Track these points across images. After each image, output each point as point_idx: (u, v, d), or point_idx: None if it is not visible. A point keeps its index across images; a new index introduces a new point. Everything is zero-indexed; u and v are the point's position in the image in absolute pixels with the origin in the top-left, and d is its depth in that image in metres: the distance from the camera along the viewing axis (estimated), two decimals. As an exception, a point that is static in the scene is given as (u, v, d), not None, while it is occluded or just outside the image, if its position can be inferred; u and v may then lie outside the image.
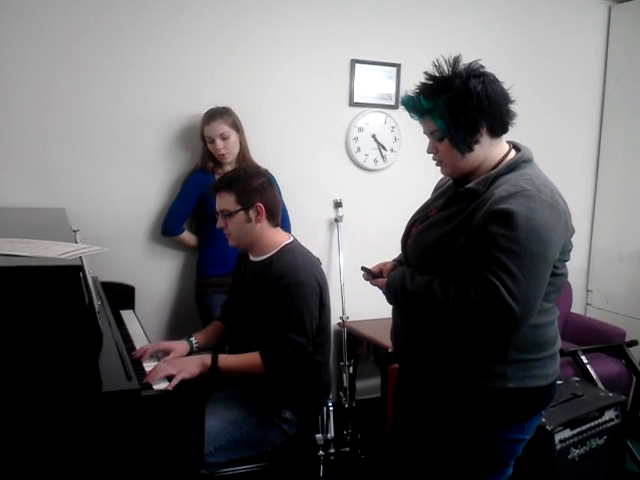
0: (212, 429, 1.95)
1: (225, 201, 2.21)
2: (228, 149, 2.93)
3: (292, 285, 2.14)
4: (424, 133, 1.69)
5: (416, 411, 1.81)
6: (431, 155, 1.72)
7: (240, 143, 3.00)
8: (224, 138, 2.92)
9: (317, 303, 2.20)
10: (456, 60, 1.61)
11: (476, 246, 1.55)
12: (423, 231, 1.72)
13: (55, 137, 2.87)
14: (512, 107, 1.65)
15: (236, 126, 2.97)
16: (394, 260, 1.90)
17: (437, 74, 1.61)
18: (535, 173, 1.63)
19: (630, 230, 3.98)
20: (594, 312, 4.19)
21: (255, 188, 2.21)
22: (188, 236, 3.10)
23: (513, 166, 1.63)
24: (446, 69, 1.60)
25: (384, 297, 1.80)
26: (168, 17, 3.00)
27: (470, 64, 1.61)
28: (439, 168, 1.73)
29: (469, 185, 1.64)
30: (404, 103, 1.66)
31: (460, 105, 1.56)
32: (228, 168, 2.90)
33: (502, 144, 1.68)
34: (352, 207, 3.52)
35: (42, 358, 1.48)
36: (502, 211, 1.50)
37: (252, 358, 2.14)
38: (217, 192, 2.23)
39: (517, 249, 1.49)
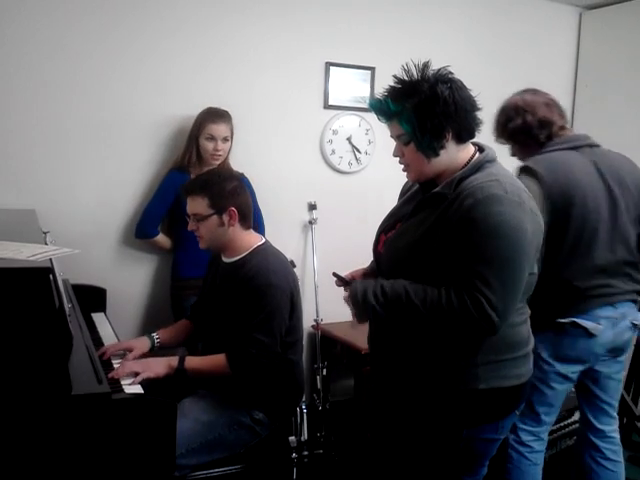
0: (184, 431, 1.94)
1: (198, 204, 2.20)
2: (225, 151, 2.95)
3: (263, 286, 2.14)
4: (391, 137, 1.70)
5: (392, 413, 1.82)
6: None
7: (228, 151, 3.02)
8: (225, 141, 2.93)
9: (288, 305, 2.21)
10: (425, 65, 1.62)
11: (450, 255, 1.56)
12: (394, 239, 1.73)
13: (25, 136, 2.82)
14: (480, 113, 1.67)
15: (232, 133, 2.99)
16: (368, 267, 1.91)
17: (406, 78, 1.62)
18: (500, 172, 1.64)
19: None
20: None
21: (229, 192, 2.20)
22: (162, 239, 3.06)
23: (477, 167, 1.64)
24: (415, 74, 1.62)
25: None
26: (147, 23, 2.98)
27: (439, 70, 1.63)
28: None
29: (436, 190, 1.65)
30: (372, 106, 1.68)
31: (427, 110, 1.58)
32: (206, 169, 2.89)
33: (468, 148, 1.69)
34: (326, 209, 3.53)
35: (11, 361, 1.46)
36: (472, 220, 1.52)
37: (218, 359, 2.15)
38: (189, 195, 2.22)
39: (491, 258, 1.51)
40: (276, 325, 2.15)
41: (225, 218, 2.20)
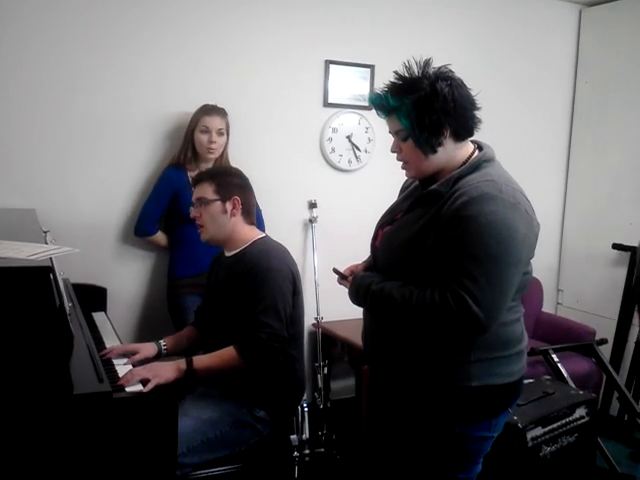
0: (185, 429, 1.94)
1: (204, 190, 2.27)
2: (219, 145, 2.95)
3: (264, 271, 2.17)
4: (389, 132, 1.70)
5: (387, 411, 1.82)
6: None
7: (224, 146, 3.02)
8: (220, 134, 2.95)
9: (290, 289, 2.23)
10: (426, 63, 1.63)
11: (440, 252, 1.56)
12: (391, 234, 1.73)
13: (25, 136, 2.82)
14: (480, 112, 1.67)
15: (228, 128, 3.00)
16: (364, 262, 1.91)
17: (407, 75, 1.63)
18: (497, 172, 1.64)
19: (599, 230, 4.04)
20: (565, 311, 4.25)
21: (235, 184, 2.31)
22: (161, 236, 3.07)
23: (475, 166, 1.64)
24: (416, 71, 1.63)
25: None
26: (145, 21, 2.98)
27: (440, 68, 1.63)
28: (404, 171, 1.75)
29: (433, 187, 1.66)
30: (372, 100, 1.68)
31: (426, 106, 1.58)
32: (203, 166, 2.92)
33: (467, 146, 1.69)
34: (326, 208, 3.52)
35: (12, 360, 1.46)
36: (464, 217, 1.52)
37: (226, 352, 2.15)
38: (198, 182, 2.31)
39: (479, 255, 1.51)
40: (281, 308, 2.17)
41: (228, 206, 2.26)
